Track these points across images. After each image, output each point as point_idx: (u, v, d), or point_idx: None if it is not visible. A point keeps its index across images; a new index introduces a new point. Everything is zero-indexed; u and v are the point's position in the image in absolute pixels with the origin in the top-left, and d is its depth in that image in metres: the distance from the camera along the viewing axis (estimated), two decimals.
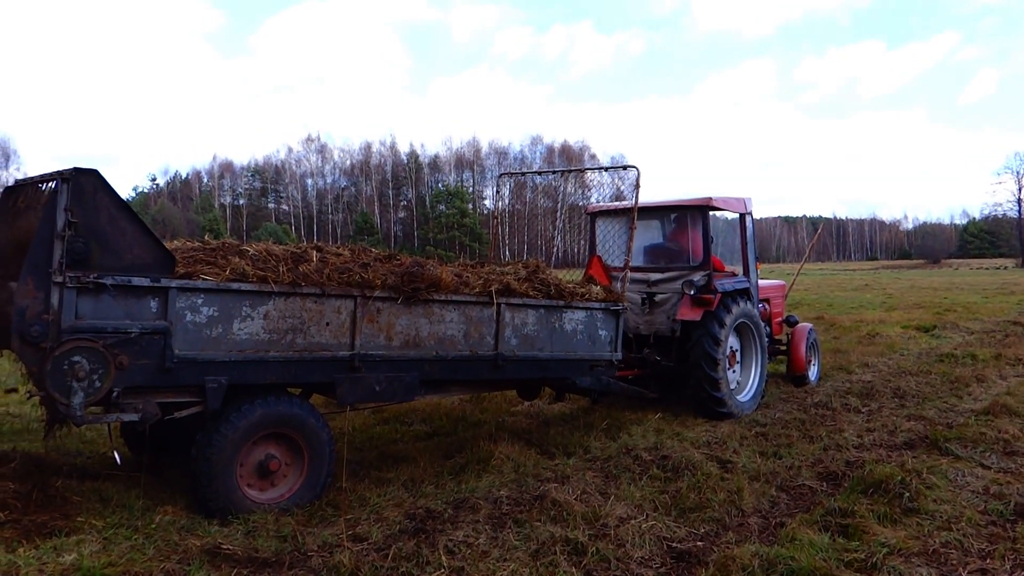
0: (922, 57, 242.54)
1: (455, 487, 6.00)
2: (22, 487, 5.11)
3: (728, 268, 9.67)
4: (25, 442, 6.87)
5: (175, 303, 4.86)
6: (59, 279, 4.47)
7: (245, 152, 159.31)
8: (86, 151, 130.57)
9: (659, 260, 9.71)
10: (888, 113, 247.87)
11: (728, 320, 8.72)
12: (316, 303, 5.48)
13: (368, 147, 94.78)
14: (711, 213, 9.23)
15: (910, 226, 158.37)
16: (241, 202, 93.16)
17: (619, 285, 8.03)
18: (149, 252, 4.81)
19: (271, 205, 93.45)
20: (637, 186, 8.07)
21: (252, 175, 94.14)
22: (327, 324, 5.54)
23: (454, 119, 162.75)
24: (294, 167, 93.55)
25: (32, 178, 5.49)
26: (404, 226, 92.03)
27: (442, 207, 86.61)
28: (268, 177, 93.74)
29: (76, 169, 4.56)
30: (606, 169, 9.40)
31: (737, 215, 9.70)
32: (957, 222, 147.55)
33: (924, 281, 45.15)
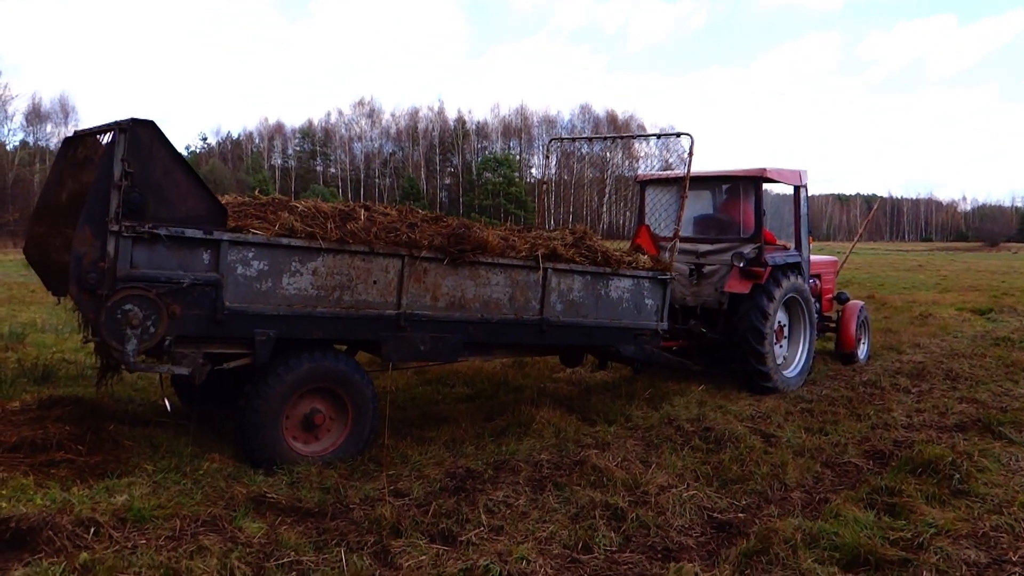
0: (996, 33, 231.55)
1: (496, 449, 6.03)
2: (77, 430, 5.28)
3: (779, 242, 9.48)
4: (80, 387, 7.09)
5: (227, 256, 4.92)
6: (115, 228, 4.55)
7: (299, 115, 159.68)
8: (142, 109, 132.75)
9: (709, 231, 9.55)
10: (957, 90, 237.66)
11: (777, 294, 8.56)
12: (364, 261, 5.50)
13: (415, 112, 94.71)
14: (764, 185, 9.03)
15: (968, 207, 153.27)
16: (291, 164, 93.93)
17: (667, 255, 7.93)
18: (202, 205, 4.87)
19: (319, 168, 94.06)
20: (690, 154, 7.90)
21: (302, 137, 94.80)
22: (374, 282, 5.57)
23: (508, 88, 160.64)
24: (344, 131, 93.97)
25: (90, 129, 5.58)
26: (450, 192, 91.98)
27: (488, 174, 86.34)
28: (317, 139, 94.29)
29: (133, 120, 4.61)
30: (659, 136, 9.23)
31: (791, 189, 9.47)
32: (1019, 204, 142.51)
33: (981, 264, 43.84)
